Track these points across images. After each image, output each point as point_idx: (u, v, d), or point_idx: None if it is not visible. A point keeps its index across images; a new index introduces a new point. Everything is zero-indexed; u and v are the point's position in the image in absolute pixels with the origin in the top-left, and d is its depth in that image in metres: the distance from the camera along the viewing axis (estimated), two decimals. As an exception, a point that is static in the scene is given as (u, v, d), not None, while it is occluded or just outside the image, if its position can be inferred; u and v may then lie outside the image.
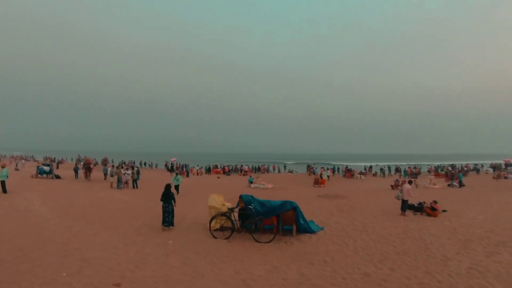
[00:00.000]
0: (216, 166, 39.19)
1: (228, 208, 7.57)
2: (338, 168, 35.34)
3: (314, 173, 32.42)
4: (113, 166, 22.67)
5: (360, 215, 10.52)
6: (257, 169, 37.40)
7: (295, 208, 7.50)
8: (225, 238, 7.18)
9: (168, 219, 7.96)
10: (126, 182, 17.54)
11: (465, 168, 34.09)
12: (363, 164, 46.48)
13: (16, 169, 26.24)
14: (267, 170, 39.35)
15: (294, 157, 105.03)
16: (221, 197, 8.37)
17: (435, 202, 10.61)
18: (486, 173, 33.48)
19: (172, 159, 41.79)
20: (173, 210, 8.07)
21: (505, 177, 25.67)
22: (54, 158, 46.10)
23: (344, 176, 30.91)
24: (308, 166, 38.50)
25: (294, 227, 7.59)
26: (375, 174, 32.96)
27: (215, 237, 7.30)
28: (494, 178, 25.44)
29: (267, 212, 7.40)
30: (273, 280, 4.91)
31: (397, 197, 10.82)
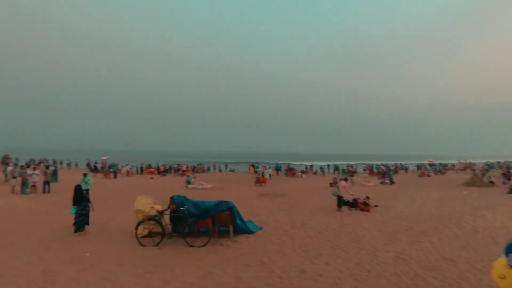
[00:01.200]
0: (149, 166, 36.82)
1: (158, 211, 7.10)
2: (281, 167, 36.84)
3: (256, 172, 33.16)
4: (15, 164, 19.32)
5: (299, 212, 11.10)
6: (195, 169, 36.52)
7: (231, 208, 7.47)
8: (155, 245, 6.74)
9: (82, 222, 7.61)
10: (34, 186, 15.04)
11: (395, 167, 39.13)
12: (304, 163, 49.38)
13: None
14: (207, 169, 38.73)
15: (236, 156, 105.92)
16: (150, 199, 7.82)
17: (368, 198, 11.87)
18: (413, 171, 39.01)
19: (103, 158, 37.53)
20: (88, 213, 7.66)
21: (428, 175, 30.48)
22: None
23: (286, 175, 32.37)
24: (251, 165, 39.18)
25: (231, 228, 7.56)
26: (315, 173, 35.37)
27: (142, 245, 6.78)
28: (419, 176, 29.94)
29: (202, 213, 7.20)
30: (207, 286, 4.77)
31: (334, 194, 11.76)
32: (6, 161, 27.32)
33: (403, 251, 6.65)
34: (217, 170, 39.98)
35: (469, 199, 14.14)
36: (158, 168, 34.08)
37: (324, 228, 8.67)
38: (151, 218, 6.93)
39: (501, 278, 2.23)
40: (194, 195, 15.50)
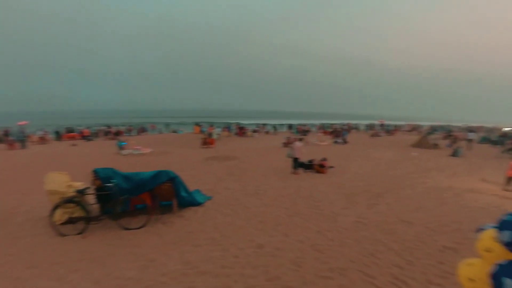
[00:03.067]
0: (70, 129, 33.10)
1: (77, 191, 6.12)
2: (230, 127, 36.37)
3: (202, 132, 32.28)
4: None
5: (252, 177, 11.00)
6: (128, 131, 34.09)
7: (172, 179, 6.88)
8: (78, 234, 5.93)
9: None
10: None
11: (347, 127, 41.54)
12: (255, 122, 49.57)
13: None
14: (144, 130, 36.49)
15: (179, 114, 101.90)
16: (65, 175, 6.72)
17: (324, 159, 12.19)
18: (364, 132, 41.88)
19: (20, 122, 31.99)
20: None
21: (379, 135, 32.96)
22: None
23: (236, 134, 32.12)
24: (196, 125, 37.95)
25: (175, 202, 7.04)
26: (268, 132, 35.76)
27: (63, 235, 5.91)
28: (370, 136, 32.21)
29: (136, 188, 6.46)
30: (149, 279, 4.32)
31: (289, 156, 11.81)
32: None
33: (362, 215, 6.97)
34: (156, 131, 37.93)
35: (418, 161, 15.57)
36: (81, 132, 30.82)
37: (280, 194, 8.69)
38: (69, 200, 5.96)
39: (487, 251, 2.18)
40: (129, 163, 14.50)
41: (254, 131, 33.65)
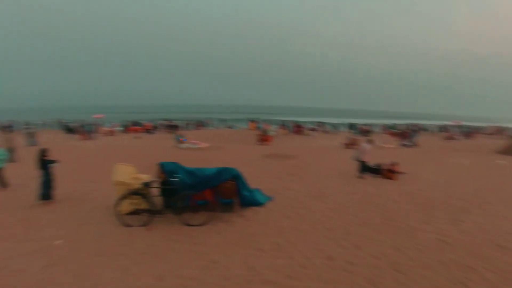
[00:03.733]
0: (135, 123, 35.85)
1: (143, 183, 6.32)
2: (287, 124, 35.97)
3: (257, 129, 32.43)
4: None
5: (313, 178, 10.51)
6: (188, 126, 35.74)
7: (236, 177, 6.74)
8: (142, 226, 6.10)
9: (43, 191, 7.55)
10: None
11: (416, 128, 38.29)
12: (313, 119, 48.44)
13: None
14: (201, 125, 37.94)
15: (233, 110, 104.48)
16: (132, 168, 7.01)
17: (395, 164, 11.16)
18: (435, 134, 38.19)
19: (96, 116, 36.20)
20: (50, 180, 7.62)
21: (454, 138, 29.60)
22: None
23: (293, 132, 31.60)
24: (251, 121, 38.33)
25: (236, 201, 6.92)
26: (326, 131, 34.60)
27: (127, 225, 6.14)
28: (444, 139, 29.07)
29: (199, 184, 6.45)
30: (212, 282, 4.18)
31: (355, 158, 11.04)
32: None
33: (445, 233, 6.07)
34: (212, 126, 39.22)
35: (508, 170, 13.50)
36: (144, 125, 33.11)
37: (346, 200, 8.08)
38: (135, 192, 6.18)
39: None
40: (187, 157, 14.97)
41: (312, 130, 32.80)
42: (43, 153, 7.67)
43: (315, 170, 11.91)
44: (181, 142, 20.18)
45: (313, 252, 5.11)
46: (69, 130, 29.03)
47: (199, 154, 16.59)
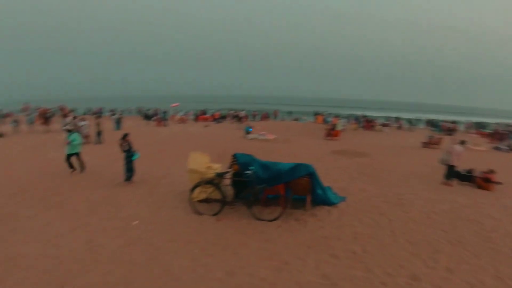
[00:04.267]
0: (204, 112, 37.61)
1: (216, 174, 6.37)
2: (358, 117, 34.09)
3: (325, 122, 31.33)
4: (75, 117, 20.99)
5: (389, 180, 9.62)
6: (253, 116, 36.20)
7: (311, 174, 6.36)
8: (213, 215, 6.16)
9: (126, 174, 8.47)
10: (86, 136, 16.15)
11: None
12: (385, 114, 45.15)
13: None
14: (268, 117, 38.08)
15: (299, 102, 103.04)
16: (206, 157, 7.13)
17: (491, 171, 9.61)
18: None
19: (173, 104, 39.57)
20: (130, 162, 8.45)
21: None
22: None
23: (362, 127, 29.78)
24: (317, 114, 37.22)
25: (308, 198, 6.57)
26: (400, 127, 31.90)
27: (199, 213, 6.27)
28: None
29: (273, 178, 6.22)
30: (283, 285, 3.95)
31: (442, 161, 9.77)
32: (63, 112, 30.83)
33: None
34: (278, 118, 39.09)
35: None
36: (213, 114, 34.49)
37: (432, 210, 7.12)
38: (209, 181, 6.25)
39: None
40: (254, 148, 15.01)
41: (384, 125, 30.44)
42: (124, 137, 8.39)
43: (390, 171, 10.90)
44: (249, 133, 20.44)
45: (395, 268, 4.53)
46: (147, 117, 31.61)
47: (266, 145, 16.55)
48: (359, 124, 29.98)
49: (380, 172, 10.66)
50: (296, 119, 37.51)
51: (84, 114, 33.73)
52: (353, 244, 5.17)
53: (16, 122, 23.16)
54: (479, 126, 34.41)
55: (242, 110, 39.20)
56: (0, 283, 3.93)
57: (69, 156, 9.45)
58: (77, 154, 9.66)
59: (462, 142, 9.82)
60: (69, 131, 9.86)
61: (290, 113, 43.74)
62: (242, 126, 25.31)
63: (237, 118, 33.24)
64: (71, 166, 9.50)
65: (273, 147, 15.97)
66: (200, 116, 34.71)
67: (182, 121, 31.53)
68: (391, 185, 9.04)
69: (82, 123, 16.58)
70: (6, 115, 35.76)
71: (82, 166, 9.79)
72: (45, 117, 23.31)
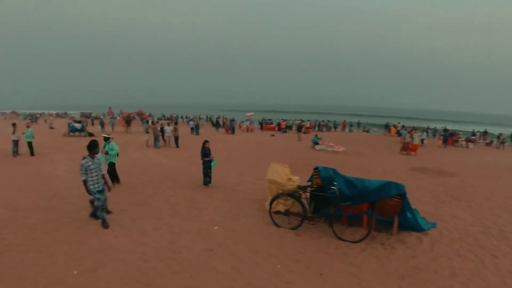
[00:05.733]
0: (269, 121, 38.15)
1: (298, 186, 6.27)
2: (435, 130, 31.16)
3: (399, 135, 29.33)
4: (152, 121, 23.12)
5: (487, 207, 8.45)
6: (320, 127, 35.48)
7: (402, 195, 5.86)
8: (292, 229, 6.06)
9: (204, 177, 8.99)
10: (165, 140, 18.01)
11: None
12: (470, 128, 40.56)
13: (51, 127, 28.84)
14: (334, 128, 36.99)
15: (369, 112, 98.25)
16: (287, 168, 7.09)
17: None
18: None
19: (248, 114, 42.36)
20: (208, 167, 8.94)
21: None
22: (90, 113, 49.02)
23: (444, 142, 26.77)
24: (389, 126, 34.98)
25: (396, 222, 6.07)
26: (489, 143, 28.19)
27: (277, 225, 6.23)
28: None
29: (358, 196, 5.83)
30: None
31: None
32: (141, 116, 34.76)
33: None
34: (346, 129, 37.70)
35: None
36: (279, 124, 34.71)
37: (546, 246, 6.05)
38: (290, 194, 6.17)
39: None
40: (324, 159, 14.66)
41: (469, 141, 27.10)
42: (204, 143, 8.81)
43: (487, 196, 9.60)
44: (317, 143, 20.06)
45: (509, 315, 3.92)
46: (217, 124, 33.15)
47: (336, 157, 16.02)
48: (444, 141, 26.34)
49: (474, 197, 9.45)
50: (366, 131, 35.73)
51: (159, 119, 37.00)
52: (451, 281, 4.58)
53: (102, 124, 26.67)
54: None
55: (308, 121, 38.77)
56: (92, 271, 4.33)
57: (110, 167, 8.66)
58: (113, 164, 8.75)
59: None
60: (107, 139, 8.67)
61: (358, 124, 41.90)
62: (307, 137, 25.08)
63: (299, 128, 32.74)
64: (114, 177, 8.80)
65: (344, 159, 15.39)
66: (265, 125, 35.27)
67: (249, 129, 32.35)
68: (489, 214, 7.93)
69: (166, 128, 18.26)
70: (95, 117, 40.96)
71: (117, 178, 8.96)
72: (127, 121, 26.38)
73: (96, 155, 5.68)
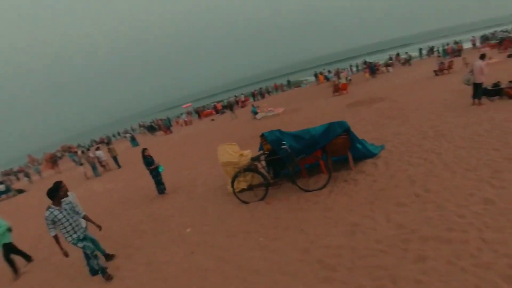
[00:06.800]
0: (203, 108, 37.48)
1: (251, 159, 6.23)
2: (357, 65, 33.26)
3: (327, 80, 30.78)
4: (82, 151, 20.99)
5: (418, 117, 9.37)
6: (254, 96, 35.82)
7: (347, 131, 6.15)
8: (261, 200, 6.09)
9: (158, 187, 8.43)
10: (104, 166, 16.36)
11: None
12: (382, 55, 43.98)
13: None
14: (268, 92, 37.61)
15: (291, 70, 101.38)
16: (235, 146, 7.00)
17: (515, 80, 9.21)
18: None
19: (184, 106, 40.10)
20: (157, 175, 8.34)
21: None
22: (11, 169, 42.51)
23: (371, 73, 28.53)
24: (317, 75, 36.58)
25: (350, 156, 6.38)
26: (404, 63, 30.97)
27: (246, 202, 6.20)
28: None
29: (309, 146, 6.02)
30: (364, 247, 3.83)
31: (467, 82, 9.42)
32: (68, 150, 32.09)
33: None
34: (279, 91, 38.55)
35: None
36: (214, 107, 34.29)
37: (473, 133, 6.88)
38: (247, 169, 6.12)
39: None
40: (268, 125, 14.83)
41: (387, 66, 29.57)
42: (144, 151, 8.17)
43: (415, 108, 10.60)
44: (257, 113, 20.22)
45: (465, 198, 4.38)
46: (152, 129, 31.54)
47: (278, 119, 16.36)
48: (373, 71, 27.08)
49: (406, 112, 10.38)
50: (298, 85, 36.93)
51: (89, 146, 34.01)
52: (413, 188, 5.01)
53: (27, 175, 24.05)
54: (485, 38, 33.14)
55: (241, 94, 38.83)
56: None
57: (4, 249, 5.95)
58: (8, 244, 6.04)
59: (482, 57, 9.35)
60: None
61: (288, 82, 43.10)
62: (246, 110, 25.17)
63: (240, 103, 32.76)
64: (22, 256, 6.33)
65: (286, 119, 15.77)
66: (202, 112, 34.59)
67: (188, 123, 31.47)
68: (423, 121, 8.78)
69: (97, 153, 16.69)
70: (18, 171, 35.84)
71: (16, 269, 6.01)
72: (53, 161, 24.40)
73: (64, 199, 4.58)
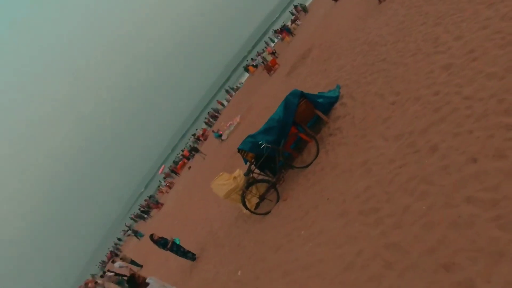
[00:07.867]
0: (175, 161, 37.04)
1: (245, 175, 6.32)
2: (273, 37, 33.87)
3: (256, 66, 31.04)
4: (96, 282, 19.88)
5: (347, 42, 9.68)
6: (209, 120, 35.85)
7: (302, 95, 6.31)
8: (277, 202, 6.15)
9: (186, 256, 8.32)
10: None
11: None
12: (284, 16, 45.25)
13: None
14: (217, 112, 37.78)
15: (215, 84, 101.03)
16: (223, 175, 7.04)
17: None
18: None
19: (161, 170, 38.88)
20: (178, 247, 8.28)
21: None
22: None
23: (290, 32, 28.55)
24: (247, 66, 37.00)
25: (320, 114, 6.54)
26: (306, 10, 31.91)
27: (267, 213, 6.23)
28: None
29: (282, 130, 6.15)
30: (384, 173, 3.90)
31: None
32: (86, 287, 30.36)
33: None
34: (225, 105, 38.76)
35: None
36: (183, 155, 34.01)
37: (397, 22, 7.23)
38: (248, 185, 6.18)
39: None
40: (237, 138, 14.90)
41: (293, 22, 30.21)
42: (152, 238, 8.21)
43: (340, 37, 10.85)
44: (220, 135, 20.30)
45: (428, 77, 4.63)
46: (144, 212, 30.48)
47: (243, 127, 16.50)
48: (289, 32, 27.21)
49: (335, 46, 10.66)
50: (237, 88, 37.30)
51: (103, 273, 32.27)
52: (385, 99, 5.21)
53: None
54: None
55: (196, 129, 38.74)
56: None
57: None
58: None
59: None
60: None
61: (227, 91, 43.37)
62: (209, 142, 25.16)
63: (194, 149, 31.22)
64: None
65: (246, 123, 15.95)
66: (175, 168, 34.17)
67: (170, 186, 31.01)
68: (353, 43, 9.07)
69: (116, 264, 16.20)
70: None
71: None
72: None
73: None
